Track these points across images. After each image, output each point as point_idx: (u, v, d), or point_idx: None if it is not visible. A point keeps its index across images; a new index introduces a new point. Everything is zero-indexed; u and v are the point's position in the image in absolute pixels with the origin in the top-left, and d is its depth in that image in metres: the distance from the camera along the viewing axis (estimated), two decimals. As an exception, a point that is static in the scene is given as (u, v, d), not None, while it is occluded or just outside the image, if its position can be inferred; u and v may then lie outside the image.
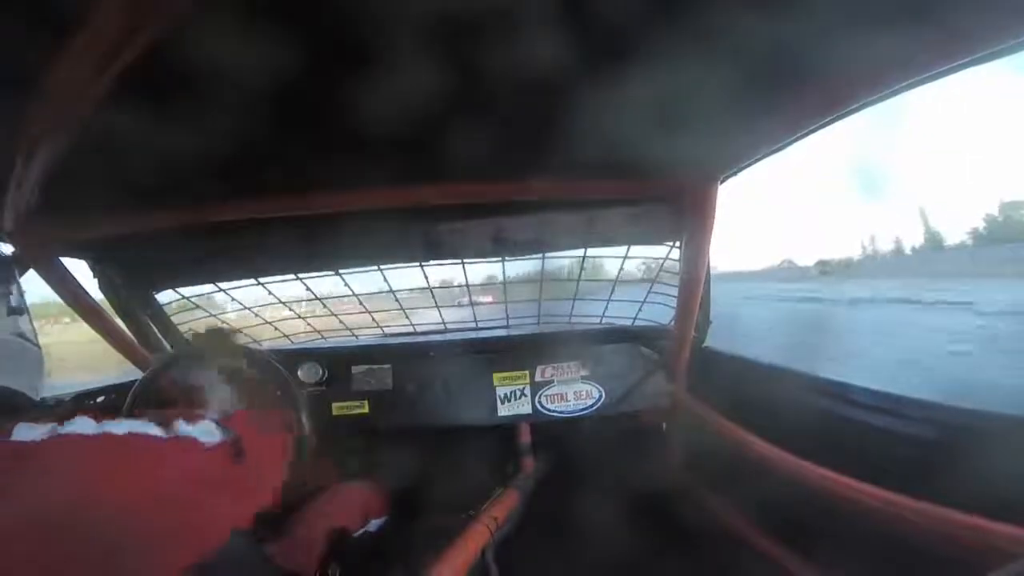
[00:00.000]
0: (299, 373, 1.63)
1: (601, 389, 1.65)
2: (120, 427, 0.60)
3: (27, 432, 0.57)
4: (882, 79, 0.71)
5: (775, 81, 0.80)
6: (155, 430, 0.63)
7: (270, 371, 1.29)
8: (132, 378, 1.35)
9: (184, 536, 0.59)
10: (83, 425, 0.59)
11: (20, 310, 0.69)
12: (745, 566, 1.18)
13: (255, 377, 1.32)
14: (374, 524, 1.33)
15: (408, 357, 1.70)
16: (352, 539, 1.24)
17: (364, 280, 1.74)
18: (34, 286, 1.23)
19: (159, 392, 1.42)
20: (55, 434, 0.57)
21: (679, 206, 1.30)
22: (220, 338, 1.38)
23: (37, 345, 0.71)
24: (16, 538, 0.49)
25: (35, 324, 0.73)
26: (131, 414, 1.22)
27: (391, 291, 1.75)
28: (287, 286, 1.70)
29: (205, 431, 0.69)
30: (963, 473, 0.84)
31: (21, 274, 0.75)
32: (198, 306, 1.72)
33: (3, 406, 0.63)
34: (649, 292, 1.68)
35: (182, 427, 0.67)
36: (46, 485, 0.52)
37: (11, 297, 0.69)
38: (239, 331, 1.79)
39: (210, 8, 0.54)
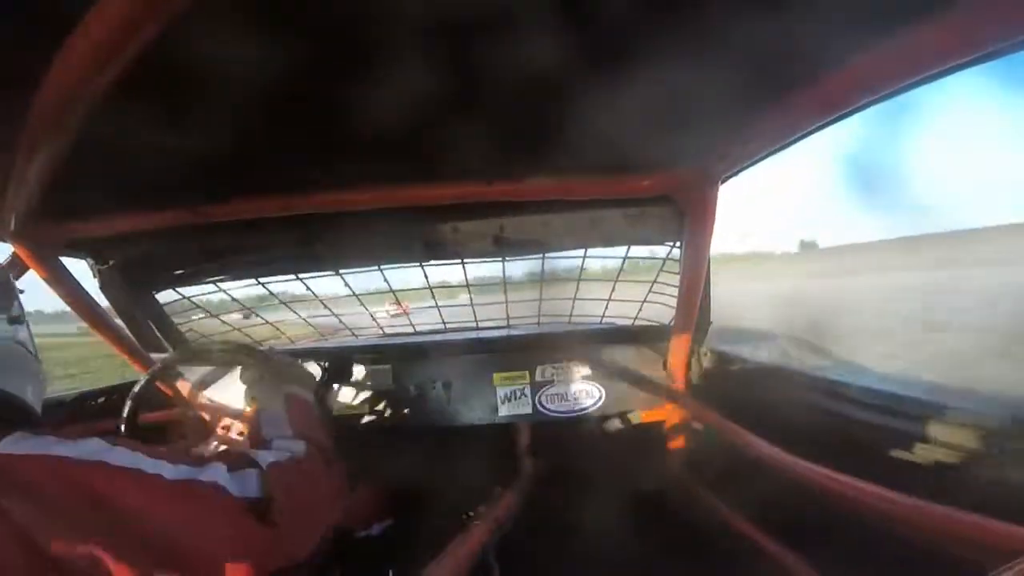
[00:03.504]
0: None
1: (601, 389, 1.65)
2: (122, 457, 0.54)
3: (15, 445, 0.52)
4: (882, 79, 0.71)
5: (776, 80, 0.80)
6: (169, 469, 0.56)
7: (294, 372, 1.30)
8: (133, 379, 1.35)
9: None
10: (83, 448, 0.53)
11: (19, 319, 0.68)
12: (744, 565, 1.18)
13: (261, 378, 1.33)
14: (377, 528, 1.34)
15: (408, 357, 1.70)
16: (353, 540, 1.24)
17: (364, 279, 1.75)
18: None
19: (160, 394, 1.42)
20: (42, 452, 0.51)
21: (679, 206, 1.30)
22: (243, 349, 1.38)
23: (35, 355, 0.70)
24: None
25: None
26: (133, 419, 1.22)
27: (391, 291, 1.75)
28: (287, 286, 1.70)
29: (242, 480, 0.61)
30: (964, 472, 0.84)
31: (19, 276, 0.73)
32: (198, 306, 1.72)
33: (5, 416, 0.60)
34: (649, 292, 1.68)
35: (213, 471, 0.60)
36: (14, 506, 0.47)
37: (12, 306, 0.67)
38: (239, 330, 1.80)
39: (210, 8, 0.54)
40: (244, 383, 1.03)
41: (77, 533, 0.48)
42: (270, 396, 0.88)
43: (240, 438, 1.24)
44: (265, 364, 1.10)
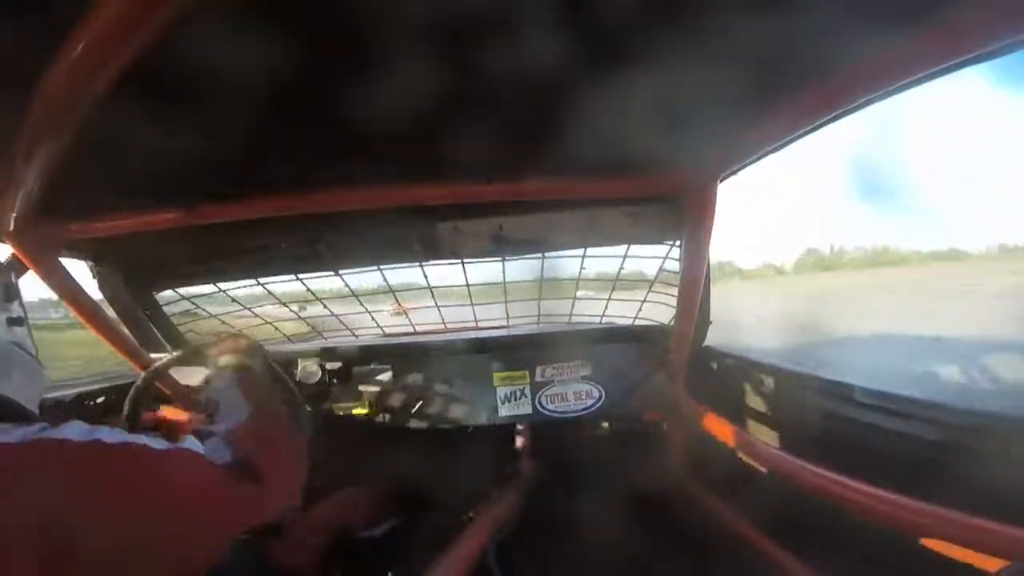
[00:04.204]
0: (299, 373, 1.63)
1: (601, 389, 1.65)
2: (113, 435, 0.57)
3: (7, 434, 0.52)
4: (882, 79, 0.71)
5: (775, 80, 0.80)
6: (152, 441, 0.60)
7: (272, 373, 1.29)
8: (132, 378, 1.34)
9: (178, 547, 0.57)
10: (73, 430, 0.55)
11: (20, 320, 0.68)
12: (744, 566, 1.18)
13: (259, 377, 1.32)
14: (379, 529, 1.34)
15: (408, 357, 1.70)
16: (355, 541, 1.24)
17: (364, 279, 1.75)
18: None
19: (158, 392, 1.42)
20: (36, 437, 0.53)
21: (679, 205, 1.30)
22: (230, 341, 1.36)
23: (35, 357, 0.70)
24: None
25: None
26: (132, 415, 1.22)
27: (391, 290, 1.75)
28: (287, 286, 1.71)
29: (213, 448, 0.66)
30: (964, 473, 0.84)
31: (19, 276, 0.73)
32: (198, 306, 1.72)
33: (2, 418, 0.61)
34: (649, 292, 1.68)
35: (188, 442, 0.64)
36: (22, 491, 0.49)
37: (12, 307, 0.68)
38: (239, 331, 1.80)
39: (211, 8, 0.54)
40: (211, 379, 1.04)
41: (85, 508, 0.50)
42: (223, 376, 0.93)
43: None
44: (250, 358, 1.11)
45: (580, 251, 1.62)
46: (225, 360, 0.99)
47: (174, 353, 1.54)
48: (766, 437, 1.12)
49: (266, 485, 0.67)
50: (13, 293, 0.69)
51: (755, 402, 1.48)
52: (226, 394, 0.86)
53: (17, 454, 0.51)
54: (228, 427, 0.73)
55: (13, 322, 0.66)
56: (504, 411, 1.66)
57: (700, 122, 0.93)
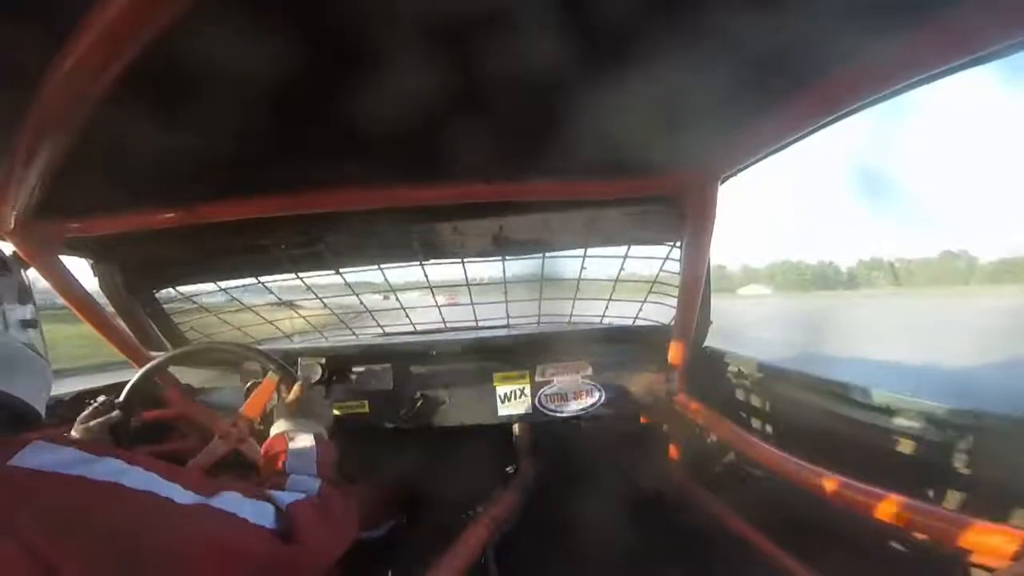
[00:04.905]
0: (299, 373, 1.63)
1: (601, 389, 1.65)
2: (137, 478, 0.54)
3: (35, 457, 0.51)
4: (882, 79, 0.71)
5: (776, 81, 0.80)
6: (180, 493, 0.56)
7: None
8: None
9: None
10: (101, 467, 0.53)
11: (32, 323, 0.69)
12: (744, 566, 1.19)
13: (259, 377, 1.32)
14: (379, 530, 1.34)
15: (408, 357, 1.70)
16: (355, 541, 1.24)
17: (363, 280, 1.75)
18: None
19: (154, 390, 1.42)
20: (53, 470, 0.50)
21: (679, 206, 1.30)
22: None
23: (45, 357, 0.70)
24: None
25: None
26: (127, 411, 1.22)
27: (391, 290, 1.75)
28: (287, 286, 1.71)
29: (256, 510, 0.62)
30: (963, 473, 0.84)
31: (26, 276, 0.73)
32: (198, 306, 1.72)
33: (11, 417, 0.61)
34: (649, 292, 1.68)
35: (223, 498, 0.60)
36: (18, 520, 0.46)
37: (25, 310, 0.68)
38: (239, 329, 1.80)
39: (211, 8, 0.54)
40: (282, 414, 1.02)
41: (87, 554, 0.48)
42: (302, 431, 0.87)
43: (245, 441, 1.24)
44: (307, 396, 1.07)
45: (581, 251, 1.61)
46: (312, 418, 0.92)
47: (173, 352, 1.55)
48: (766, 437, 1.12)
49: (304, 550, 0.63)
50: (26, 296, 0.69)
51: (755, 402, 1.48)
52: (304, 457, 0.82)
53: (37, 484, 0.49)
54: (292, 500, 0.68)
55: (26, 324, 0.67)
56: (504, 410, 1.66)
57: (701, 123, 0.93)
